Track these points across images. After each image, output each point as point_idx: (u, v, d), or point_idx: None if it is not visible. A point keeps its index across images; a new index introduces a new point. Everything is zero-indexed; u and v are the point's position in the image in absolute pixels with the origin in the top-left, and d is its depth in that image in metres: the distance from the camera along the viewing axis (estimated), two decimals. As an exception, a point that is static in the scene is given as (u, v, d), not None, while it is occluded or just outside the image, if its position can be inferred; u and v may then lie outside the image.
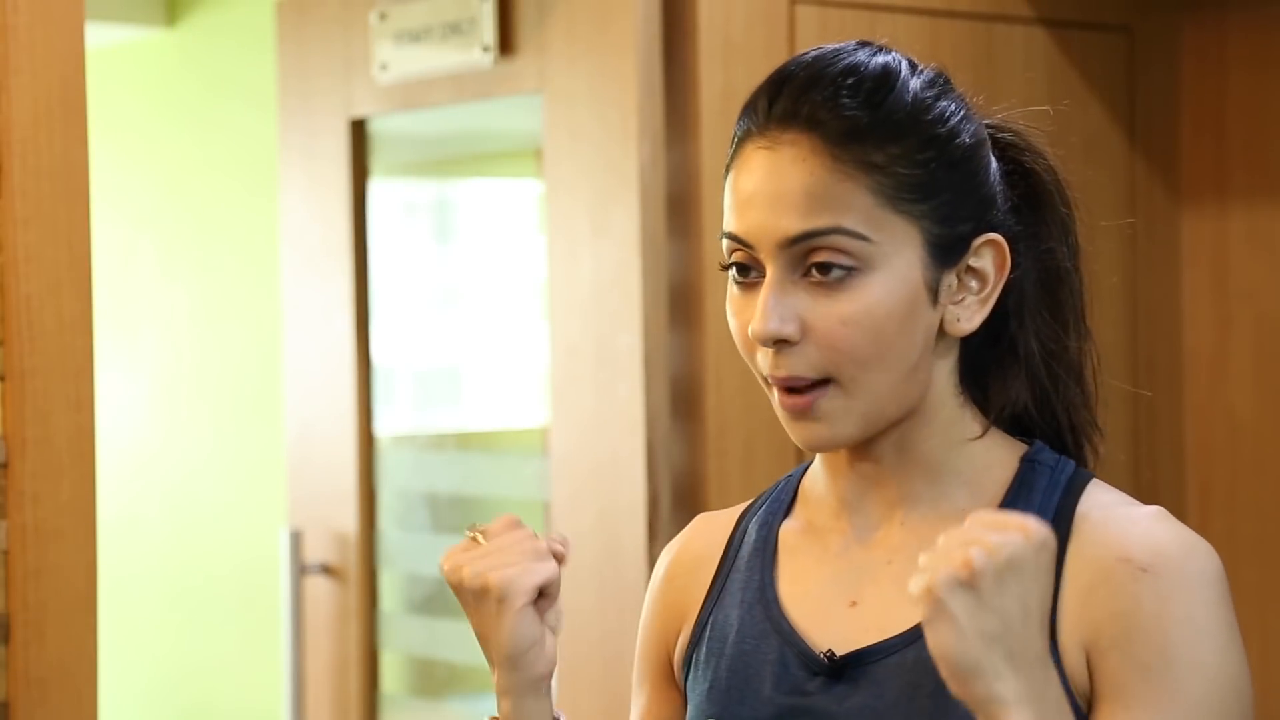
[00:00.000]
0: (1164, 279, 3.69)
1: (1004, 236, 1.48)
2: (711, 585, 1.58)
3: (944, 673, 1.28)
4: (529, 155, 3.56)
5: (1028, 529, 1.29)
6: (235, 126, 4.61)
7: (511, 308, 3.75)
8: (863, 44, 1.50)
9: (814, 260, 1.42)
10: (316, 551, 3.81)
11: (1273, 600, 3.60)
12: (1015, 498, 1.47)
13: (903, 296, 1.43)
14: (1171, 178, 3.70)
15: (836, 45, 1.49)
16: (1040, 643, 1.30)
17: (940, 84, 1.50)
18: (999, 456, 1.50)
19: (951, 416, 1.49)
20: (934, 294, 1.45)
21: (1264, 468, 3.62)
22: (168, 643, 4.88)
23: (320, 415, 3.82)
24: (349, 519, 3.76)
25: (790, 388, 1.44)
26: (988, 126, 1.55)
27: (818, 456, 1.55)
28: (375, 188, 3.78)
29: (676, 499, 3.16)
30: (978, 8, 3.46)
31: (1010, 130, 1.56)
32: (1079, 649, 1.40)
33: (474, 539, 1.50)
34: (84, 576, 2.32)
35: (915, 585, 1.28)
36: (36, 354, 2.29)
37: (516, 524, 1.50)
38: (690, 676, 1.57)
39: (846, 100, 1.44)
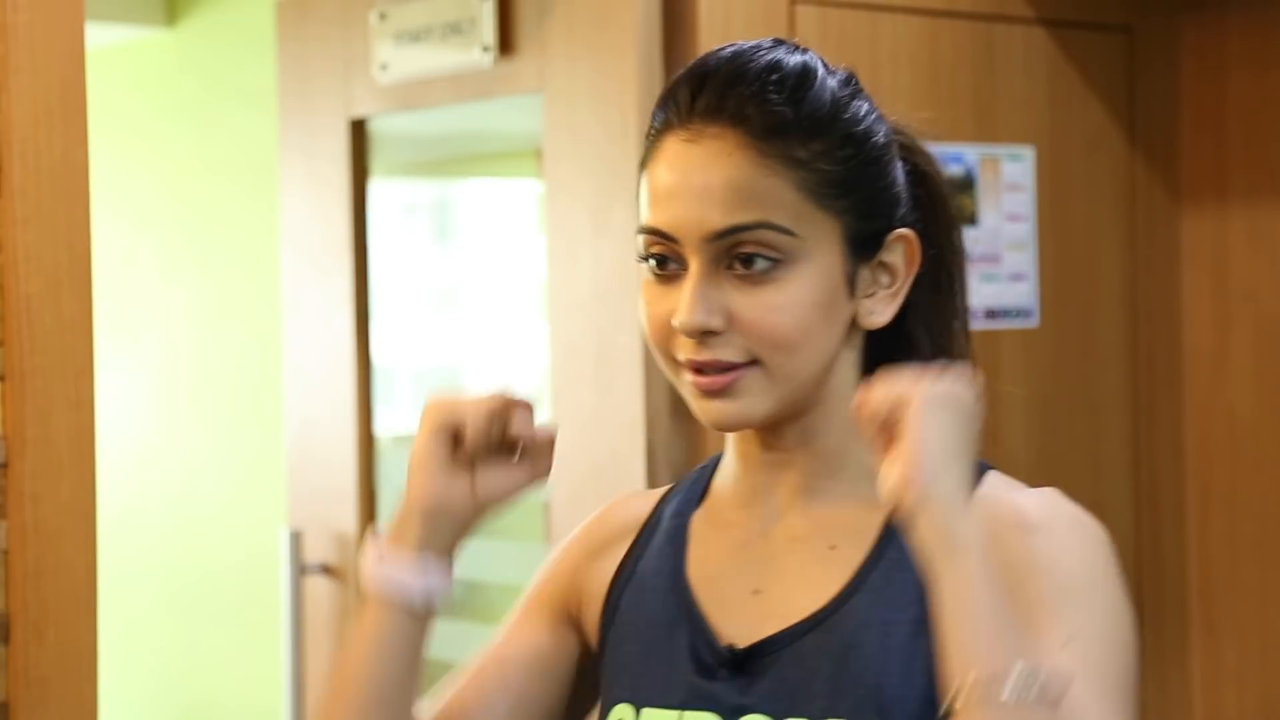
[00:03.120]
0: (1164, 279, 3.69)
1: (915, 231, 1.52)
2: (622, 565, 1.59)
3: (909, 498, 1.33)
4: (529, 155, 3.56)
5: (966, 378, 1.39)
6: (235, 127, 4.61)
7: (511, 308, 3.75)
8: (778, 42, 1.51)
9: (739, 253, 1.44)
10: (316, 551, 3.81)
11: (1273, 600, 3.60)
12: None
13: (825, 287, 1.46)
14: (1171, 178, 3.70)
15: (753, 42, 1.51)
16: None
17: (853, 85, 1.52)
18: None
19: (850, 406, 1.51)
20: (851, 286, 1.48)
21: (1264, 468, 3.62)
22: (168, 642, 4.88)
23: (320, 415, 3.81)
24: (349, 519, 3.76)
25: (708, 373, 1.47)
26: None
27: (729, 449, 1.56)
28: (375, 188, 3.78)
29: (676, 499, 3.16)
30: (978, 8, 3.46)
31: (903, 133, 1.58)
32: None
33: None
34: (84, 576, 2.32)
35: (879, 397, 1.37)
36: (36, 354, 2.29)
37: (525, 402, 1.52)
38: (604, 658, 1.58)
39: (772, 96, 1.45)
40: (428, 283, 3.95)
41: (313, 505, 3.83)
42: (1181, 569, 3.67)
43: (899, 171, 1.53)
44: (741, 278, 1.44)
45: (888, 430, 1.37)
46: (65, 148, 2.32)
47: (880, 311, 1.50)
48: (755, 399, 1.46)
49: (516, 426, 1.51)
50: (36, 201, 2.30)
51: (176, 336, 4.81)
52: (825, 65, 1.51)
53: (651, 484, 3.13)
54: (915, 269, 1.51)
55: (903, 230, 1.51)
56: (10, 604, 2.28)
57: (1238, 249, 3.65)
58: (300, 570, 3.81)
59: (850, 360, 1.52)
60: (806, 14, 3.25)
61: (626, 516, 1.63)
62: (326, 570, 3.80)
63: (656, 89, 3.16)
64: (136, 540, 4.88)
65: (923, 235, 1.53)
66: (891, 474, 1.35)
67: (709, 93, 1.46)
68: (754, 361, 1.45)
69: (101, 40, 4.79)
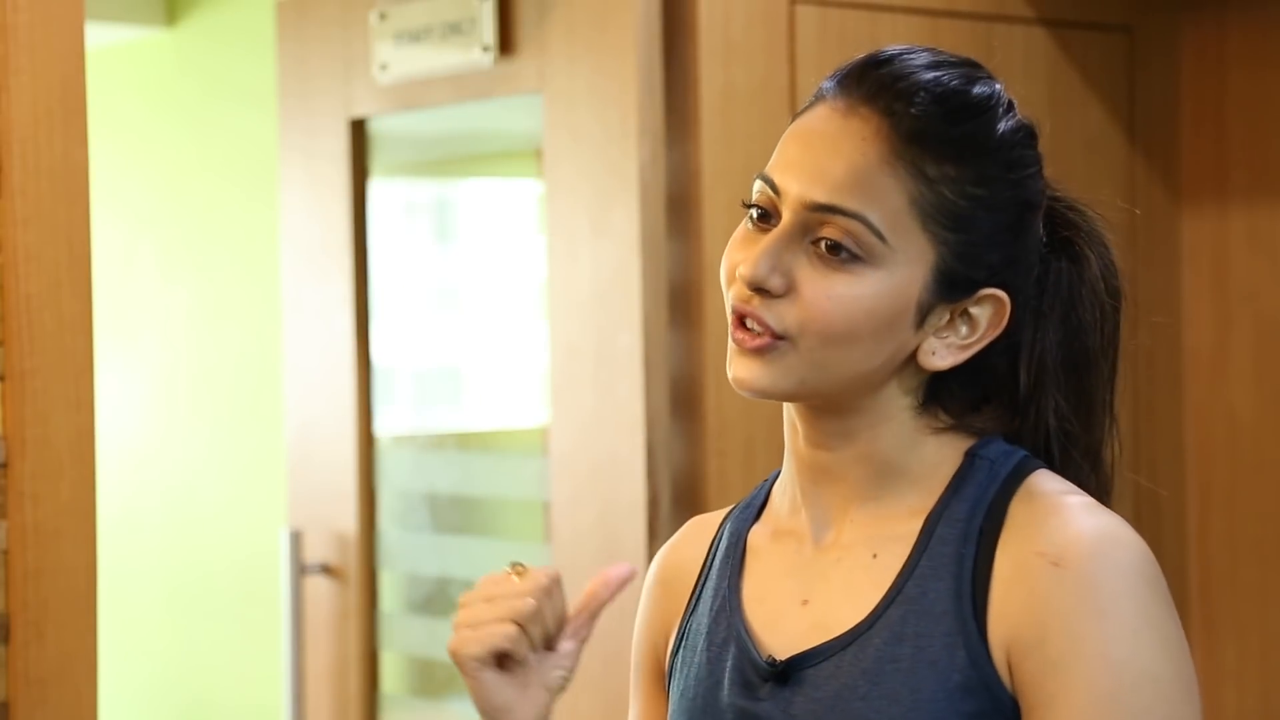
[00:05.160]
0: (1164, 279, 3.69)
1: (1012, 300, 1.48)
2: (692, 592, 1.59)
3: None
4: (529, 155, 3.56)
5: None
6: (235, 127, 4.61)
7: (511, 308, 3.75)
8: (977, 67, 1.50)
9: (826, 234, 1.43)
10: (316, 551, 3.81)
11: (1273, 600, 3.60)
12: (952, 494, 1.46)
13: (890, 305, 1.44)
14: (1171, 178, 3.70)
15: (956, 56, 1.49)
16: None
17: (1027, 137, 1.51)
18: (948, 454, 1.49)
19: (905, 423, 1.49)
20: (921, 318, 1.45)
21: (1264, 468, 3.62)
22: (167, 642, 4.88)
23: (320, 415, 3.82)
24: (349, 519, 3.76)
25: (748, 326, 1.45)
26: (1053, 199, 1.56)
27: (785, 457, 1.54)
28: (375, 188, 3.78)
29: (676, 499, 3.16)
30: (978, 8, 3.46)
31: (1075, 210, 1.57)
32: (1002, 649, 1.40)
33: (510, 574, 1.46)
34: (84, 576, 2.32)
35: None
36: (36, 354, 2.29)
37: (550, 582, 1.46)
38: (671, 683, 1.57)
39: (933, 108, 1.44)
40: (428, 283, 3.95)
41: (313, 505, 3.83)
42: (1181, 569, 3.67)
43: (1031, 239, 1.50)
44: (819, 256, 1.43)
45: None
46: (65, 148, 2.32)
47: (942, 357, 1.47)
48: (780, 374, 1.44)
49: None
50: (36, 201, 2.30)
51: (176, 336, 4.81)
52: (1009, 107, 1.49)
53: (651, 484, 3.14)
54: (996, 333, 1.47)
55: (999, 291, 1.47)
56: (10, 604, 2.28)
57: (1238, 249, 3.65)
58: (300, 570, 3.81)
59: (907, 384, 1.48)
60: (806, 14, 3.25)
61: (696, 543, 1.62)
62: (326, 570, 3.80)
63: (657, 89, 3.17)
64: (136, 540, 4.88)
65: (1063, 316, 1.52)
66: None
67: (879, 76, 1.45)
68: (789, 338, 1.43)
69: (101, 40, 4.79)
